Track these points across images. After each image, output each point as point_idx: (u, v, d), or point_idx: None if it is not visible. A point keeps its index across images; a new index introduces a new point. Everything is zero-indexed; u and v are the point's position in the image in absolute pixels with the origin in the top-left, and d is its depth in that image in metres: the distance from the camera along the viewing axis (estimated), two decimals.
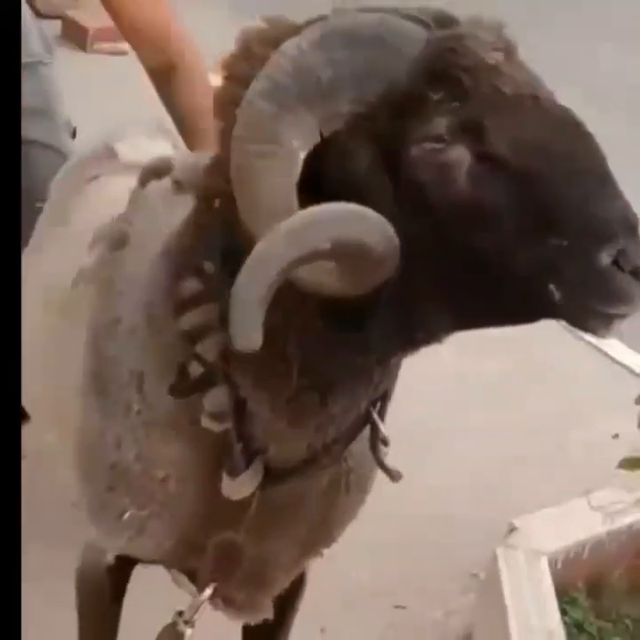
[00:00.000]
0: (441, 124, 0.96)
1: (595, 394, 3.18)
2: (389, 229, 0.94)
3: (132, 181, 1.43)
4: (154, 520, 1.30)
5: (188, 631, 1.35)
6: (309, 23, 1.02)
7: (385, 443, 1.25)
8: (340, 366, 1.11)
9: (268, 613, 1.42)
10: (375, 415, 1.24)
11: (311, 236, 0.91)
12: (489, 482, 2.61)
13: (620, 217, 0.94)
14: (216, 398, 1.15)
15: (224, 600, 1.35)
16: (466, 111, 0.96)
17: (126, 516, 1.30)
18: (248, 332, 0.92)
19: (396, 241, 0.95)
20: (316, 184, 0.97)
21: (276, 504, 1.25)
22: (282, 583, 1.42)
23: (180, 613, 1.36)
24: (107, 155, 1.70)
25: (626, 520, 2.21)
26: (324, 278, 0.97)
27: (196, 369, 1.16)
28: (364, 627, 2.14)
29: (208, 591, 1.31)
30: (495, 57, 0.98)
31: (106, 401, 1.28)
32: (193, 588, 1.42)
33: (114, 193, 1.49)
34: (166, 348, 1.20)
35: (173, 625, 1.37)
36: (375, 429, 1.25)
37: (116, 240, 1.32)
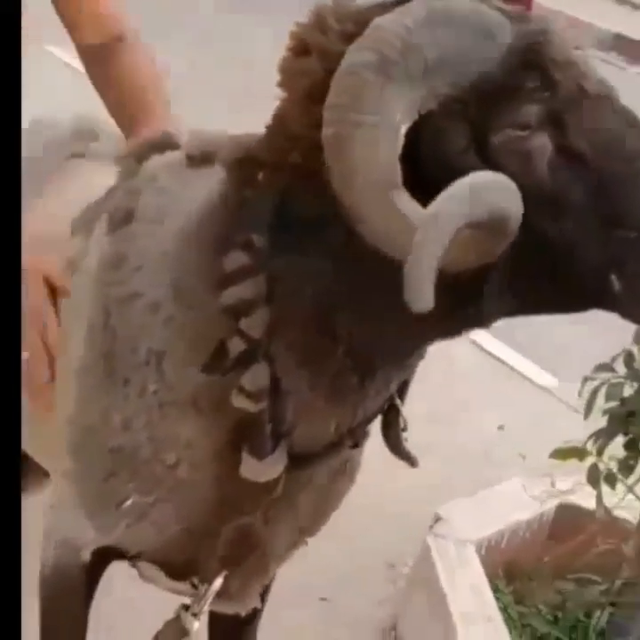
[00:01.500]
0: (530, 112, 0.98)
1: (477, 388, 3.30)
2: (519, 197, 0.96)
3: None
4: (159, 506, 1.24)
5: (196, 624, 1.30)
6: (389, 2, 1.02)
7: (404, 428, 1.25)
8: (386, 349, 1.12)
9: (256, 602, 1.39)
10: (397, 400, 1.24)
11: (482, 200, 0.93)
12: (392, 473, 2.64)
13: None
14: (256, 376, 1.12)
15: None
16: (552, 103, 0.99)
17: (128, 503, 1.24)
18: (425, 292, 0.92)
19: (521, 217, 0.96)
20: (406, 160, 0.96)
21: (289, 488, 1.22)
22: (273, 572, 1.39)
23: (186, 607, 1.31)
24: (89, 136, 1.66)
25: (540, 508, 2.29)
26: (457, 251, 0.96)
27: (237, 345, 1.12)
28: (291, 621, 2.12)
29: (219, 580, 1.28)
30: (578, 55, 1.02)
31: (113, 381, 1.21)
32: (169, 582, 1.38)
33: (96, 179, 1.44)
34: (198, 324, 1.16)
35: (177, 619, 1.32)
36: (395, 414, 1.25)
37: (123, 215, 1.26)
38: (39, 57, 1.76)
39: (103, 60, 1.65)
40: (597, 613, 2.08)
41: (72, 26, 1.69)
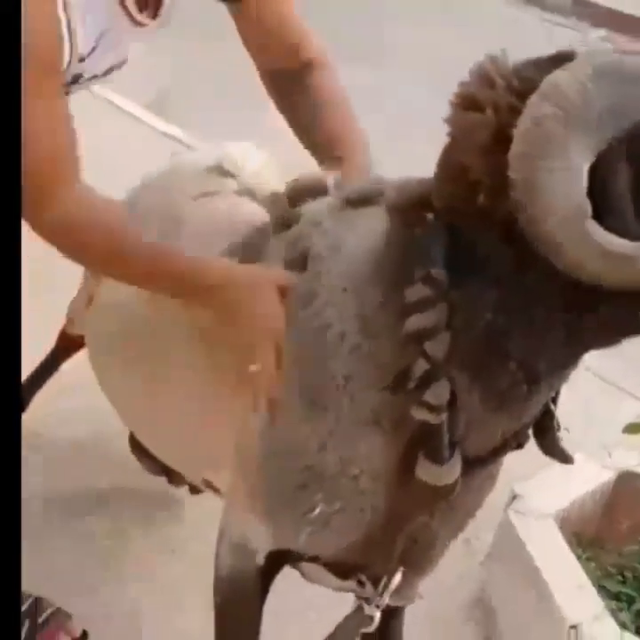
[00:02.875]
0: None
1: None
2: None
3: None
4: (341, 514, 1.38)
5: (377, 614, 1.45)
6: (549, 59, 1.15)
7: (559, 427, 1.40)
8: (552, 361, 1.25)
9: (417, 595, 1.54)
10: (551, 405, 1.38)
11: None
12: None
13: None
14: (439, 392, 1.26)
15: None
16: None
17: (315, 512, 1.38)
18: None
19: None
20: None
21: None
22: (435, 567, 1.54)
23: (366, 599, 1.45)
24: (218, 173, 1.73)
25: (602, 478, 2.46)
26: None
27: (421, 366, 1.26)
28: None
29: (399, 575, 1.43)
30: None
31: (314, 409, 1.34)
32: (335, 581, 1.52)
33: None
34: (383, 350, 1.30)
35: (359, 610, 1.45)
36: (550, 418, 1.39)
37: (299, 257, 1.39)
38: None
39: (293, 86, 1.65)
40: None
41: (259, 49, 1.67)
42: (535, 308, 1.20)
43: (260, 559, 1.52)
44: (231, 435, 1.51)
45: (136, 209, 1.83)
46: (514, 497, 2.34)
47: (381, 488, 1.37)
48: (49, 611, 2.01)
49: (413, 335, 1.25)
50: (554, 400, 1.39)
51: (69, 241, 1.50)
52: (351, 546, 1.43)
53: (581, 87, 1.09)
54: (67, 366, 2.53)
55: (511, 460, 1.46)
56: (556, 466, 2.45)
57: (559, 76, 1.11)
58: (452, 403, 1.27)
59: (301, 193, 1.47)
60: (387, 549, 1.41)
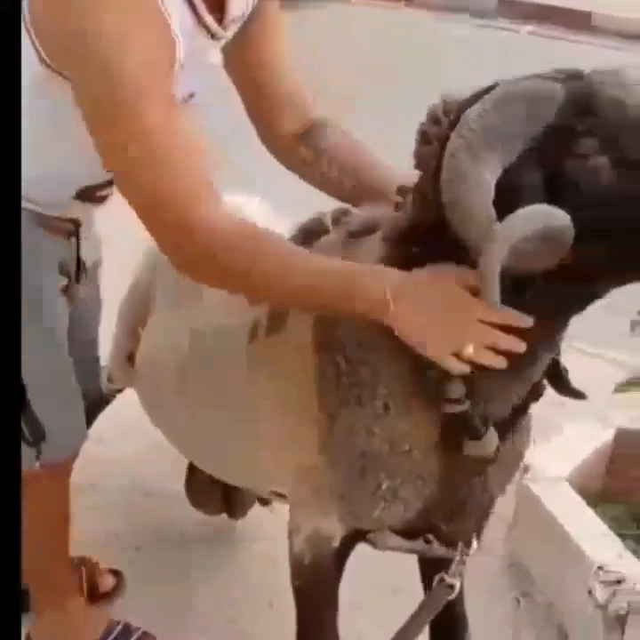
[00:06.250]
0: (585, 143, 1.36)
1: None
2: (568, 218, 1.33)
3: None
4: (405, 486, 1.62)
5: (458, 583, 1.71)
6: (478, 93, 1.42)
7: (566, 371, 1.63)
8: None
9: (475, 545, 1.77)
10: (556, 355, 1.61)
11: (526, 224, 1.31)
12: None
13: None
14: (454, 388, 1.51)
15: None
16: (602, 131, 1.36)
17: (383, 487, 1.62)
18: (495, 294, 1.32)
19: (572, 226, 1.33)
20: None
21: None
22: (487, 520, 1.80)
23: (429, 542, 1.70)
24: None
25: (602, 438, 2.74)
26: (524, 261, 1.35)
27: (433, 373, 1.50)
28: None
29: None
30: (619, 93, 1.38)
31: (358, 404, 1.60)
32: (406, 543, 1.76)
33: None
34: (397, 357, 1.54)
35: (442, 580, 1.71)
36: (557, 365, 1.62)
37: None
38: None
39: (318, 147, 1.74)
40: None
41: (264, 112, 1.76)
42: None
43: (337, 543, 1.73)
44: (275, 445, 1.76)
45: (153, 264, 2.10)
46: (526, 468, 2.60)
47: (432, 459, 1.61)
48: (136, 635, 2.26)
49: None
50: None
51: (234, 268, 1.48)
52: (419, 511, 1.66)
53: (481, 117, 1.36)
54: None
55: None
56: (556, 436, 2.76)
57: (471, 108, 1.39)
58: (472, 389, 1.51)
59: (308, 235, 1.72)
60: (448, 510, 1.67)
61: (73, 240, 1.88)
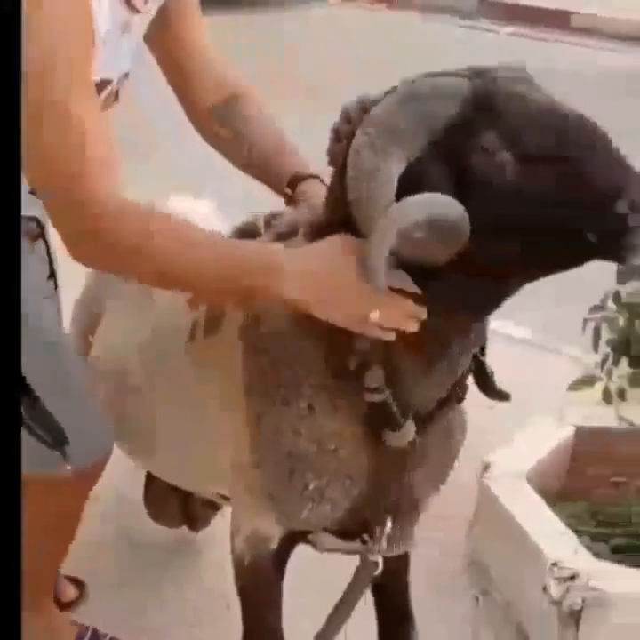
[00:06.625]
0: (487, 138, 1.36)
1: None
2: (462, 208, 1.34)
3: None
4: (332, 485, 1.63)
5: (380, 559, 1.72)
6: (388, 92, 1.44)
7: (492, 373, 1.66)
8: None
9: (414, 543, 1.80)
10: (481, 357, 1.64)
11: (415, 210, 1.34)
12: None
13: (630, 176, 1.34)
14: (373, 376, 1.52)
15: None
16: (504, 126, 1.36)
17: (310, 487, 1.63)
18: (380, 278, 1.35)
19: (467, 217, 1.34)
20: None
21: (421, 446, 1.62)
22: (418, 517, 1.81)
23: (365, 542, 1.71)
24: None
25: (562, 436, 2.76)
26: (421, 251, 1.37)
27: (352, 361, 1.53)
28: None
29: (389, 523, 1.69)
30: (520, 88, 1.40)
31: (282, 404, 1.61)
32: (344, 544, 1.77)
33: None
34: (317, 350, 1.57)
35: (365, 561, 1.72)
36: (482, 365, 1.65)
37: None
38: None
39: (229, 119, 1.79)
40: None
41: (188, 89, 1.80)
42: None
43: (274, 544, 1.74)
44: (225, 444, 1.76)
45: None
46: (486, 466, 2.62)
47: (359, 457, 1.62)
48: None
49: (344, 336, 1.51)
50: (482, 352, 1.65)
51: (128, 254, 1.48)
52: (348, 511, 1.68)
53: (385, 114, 1.39)
54: None
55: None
56: (519, 433, 2.77)
57: (375, 109, 1.40)
58: (392, 380, 1.53)
59: (242, 237, 1.74)
60: (378, 508, 1.68)
61: (40, 242, 1.89)
